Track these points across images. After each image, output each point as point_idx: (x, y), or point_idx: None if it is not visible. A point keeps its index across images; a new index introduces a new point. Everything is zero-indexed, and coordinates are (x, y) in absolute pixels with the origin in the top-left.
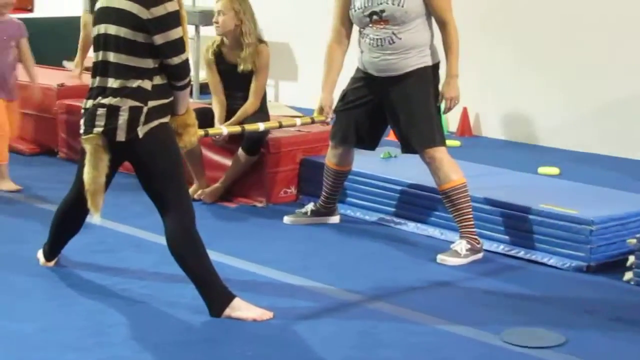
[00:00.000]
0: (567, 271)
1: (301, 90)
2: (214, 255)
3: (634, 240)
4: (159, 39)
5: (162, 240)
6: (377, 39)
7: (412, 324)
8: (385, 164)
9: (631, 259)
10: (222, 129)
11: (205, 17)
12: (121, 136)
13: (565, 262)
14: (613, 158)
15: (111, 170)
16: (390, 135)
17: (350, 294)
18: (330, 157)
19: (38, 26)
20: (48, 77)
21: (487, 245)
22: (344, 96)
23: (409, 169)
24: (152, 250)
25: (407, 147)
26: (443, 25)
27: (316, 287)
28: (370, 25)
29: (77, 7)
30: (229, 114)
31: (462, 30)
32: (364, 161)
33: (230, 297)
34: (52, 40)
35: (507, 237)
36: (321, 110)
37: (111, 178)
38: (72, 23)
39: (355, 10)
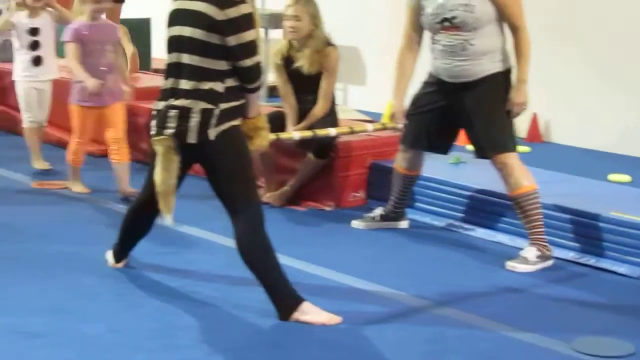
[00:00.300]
0: (637, 280)
1: (369, 94)
2: (282, 259)
3: None
4: (232, 41)
5: (231, 242)
6: (449, 45)
7: (481, 331)
8: (455, 169)
9: None
10: (293, 133)
11: (275, 20)
12: (192, 138)
13: (635, 270)
14: None
15: (182, 172)
16: (459, 141)
17: (418, 299)
18: (400, 162)
19: None
20: None
21: (556, 252)
22: (415, 100)
23: (478, 175)
24: (221, 253)
25: (480, 152)
26: (515, 31)
27: (384, 292)
28: (442, 31)
29: (144, 9)
30: (300, 116)
31: (532, 35)
32: (433, 166)
33: (299, 301)
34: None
35: (577, 244)
36: (393, 116)
37: (182, 180)
38: (139, 24)
39: (426, 17)
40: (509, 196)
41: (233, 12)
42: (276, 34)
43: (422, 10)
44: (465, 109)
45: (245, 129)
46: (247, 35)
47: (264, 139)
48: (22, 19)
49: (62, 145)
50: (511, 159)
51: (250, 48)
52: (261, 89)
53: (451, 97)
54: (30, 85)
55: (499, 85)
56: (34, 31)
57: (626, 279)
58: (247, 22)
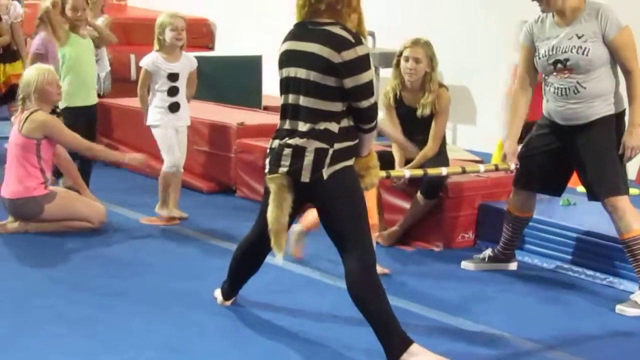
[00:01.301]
0: None
1: (479, 134)
2: (391, 299)
3: None
4: (349, 83)
5: (340, 282)
6: (561, 88)
7: None
8: (564, 210)
9: None
10: (404, 171)
11: (386, 59)
12: (306, 177)
13: None
14: None
15: (294, 210)
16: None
17: (527, 341)
18: (512, 203)
19: (218, 64)
20: (228, 116)
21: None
22: (528, 142)
23: (588, 217)
24: (330, 292)
25: (592, 194)
26: (628, 74)
27: (493, 334)
28: (555, 74)
29: (256, 46)
30: (409, 158)
31: None
32: (542, 208)
33: (408, 342)
34: (232, 79)
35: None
36: (505, 157)
37: (294, 219)
38: (251, 62)
39: (539, 58)
40: (620, 239)
41: (350, 54)
42: (386, 73)
43: (536, 51)
44: (577, 150)
45: (357, 168)
46: (364, 77)
47: (375, 177)
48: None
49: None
50: (622, 201)
51: (367, 89)
52: (376, 129)
53: (564, 139)
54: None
55: (611, 128)
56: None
57: None
58: (363, 63)
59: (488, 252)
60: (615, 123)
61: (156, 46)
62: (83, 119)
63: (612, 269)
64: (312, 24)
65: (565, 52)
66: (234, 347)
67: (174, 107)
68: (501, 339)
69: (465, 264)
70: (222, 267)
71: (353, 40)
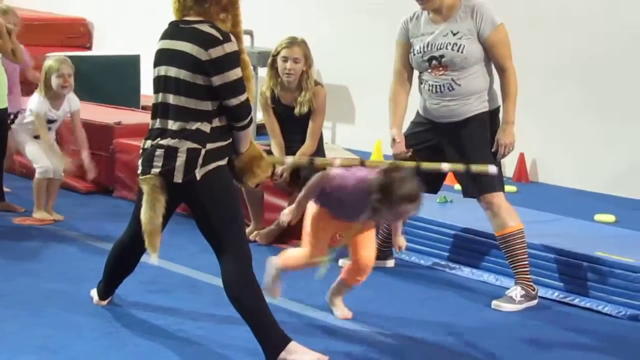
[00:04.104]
0: (622, 319)
1: (358, 133)
2: (269, 298)
3: None
4: (217, 80)
5: (217, 280)
6: (436, 85)
7: None
8: (441, 208)
9: None
10: (289, 158)
11: (264, 58)
12: (178, 178)
13: (620, 310)
14: None
15: (168, 211)
16: (447, 180)
17: (406, 339)
18: None
19: (96, 64)
20: (105, 116)
21: (542, 292)
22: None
23: (464, 214)
24: (207, 291)
25: (467, 191)
26: (502, 72)
27: (372, 332)
28: (429, 70)
29: (135, 45)
30: (289, 153)
31: (519, 75)
32: None
33: (286, 341)
34: (110, 79)
35: (562, 284)
36: (393, 141)
37: (168, 219)
38: (129, 61)
39: (414, 55)
40: (496, 236)
41: (217, 51)
42: (264, 72)
43: (411, 47)
44: (453, 148)
45: (241, 165)
46: (232, 74)
47: (266, 167)
48: None
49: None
50: (498, 198)
51: (236, 87)
52: (250, 126)
53: (439, 136)
54: None
55: (485, 125)
56: None
57: (611, 319)
58: (231, 61)
59: None
60: (489, 120)
61: (42, 90)
62: None
63: (488, 266)
64: (184, 22)
65: (440, 48)
66: (111, 347)
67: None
68: (380, 337)
69: (343, 261)
70: (98, 268)
71: (221, 38)
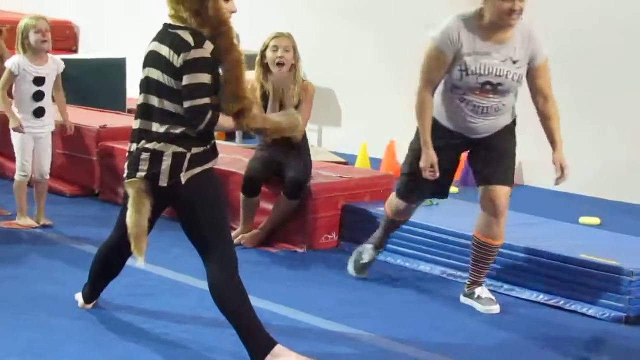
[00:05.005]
0: (606, 322)
1: (344, 136)
2: (255, 301)
3: None
4: (181, 83)
5: (202, 284)
6: (483, 107)
7: None
8: (427, 211)
9: None
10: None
11: (247, 60)
12: (164, 181)
13: (604, 312)
14: None
15: (154, 214)
16: None
17: (391, 341)
18: (394, 209)
19: (82, 67)
20: (91, 119)
21: (527, 294)
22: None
23: (450, 217)
24: (192, 294)
25: (489, 180)
26: (547, 99)
27: (357, 334)
28: (477, 92)
29: (121, 48)
30: (277, 153)
31: None
32: None
33: (272, 344)
34: (96, 82)
35: (547, 286)
36: (430, 168)
37: (154, 222)
38: (115, 64)
39: (467, 73)
40: (494, 243)
41: (186, 56)
42: (250, 75)
43: (461, 65)
44: (484, 152)
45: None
46: (193, 78)
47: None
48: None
49: None
50: (508, 197)
51: (193, 91)
52: (210, 137)
53: (466, 148)
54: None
55: (514, 133)
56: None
57: (595, 321)
58: (196, 66)
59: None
60: (514, 128)
61: (20, 51)
62: None
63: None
64: (171, 27)
65: (499, 75)
66: (96, 351)
67: (39, 113)
68: (365, 339)
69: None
70: (83, 271)
71: (193, 44)
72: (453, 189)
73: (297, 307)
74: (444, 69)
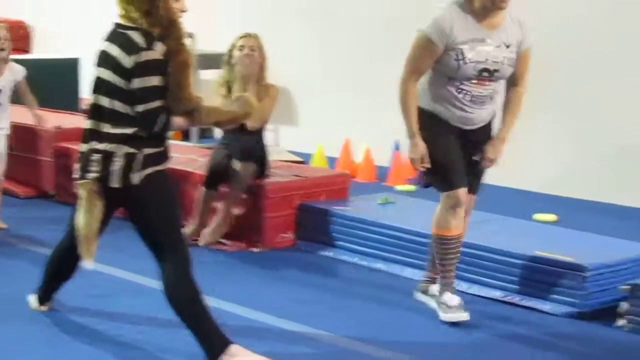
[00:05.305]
0: (561, 317)
1: (300, 135)
2: (210, 300)
3: (628, 287)
4: (132, 86)
5: (157, 284)
6: (480, 95)
7: None
8: (383, 209)
9: (623, 305)
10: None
11: (205, 61)
12: (115, 182)
13: (559, 308)
14: (609, 205)
15: (106, 216)
16: (389, 181)
17: (349, 340)
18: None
19: (35, 67)
20: (44, 120)
21: (482, 291)
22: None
23: (406, 215)
24: (147, 295)
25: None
26: (518, 87)
27: (315, 334)
28: (475, 81)
29: (74, 49)
30: (240, 150)
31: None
32: (362, 206)
33: (227, 344)
34: (49, 82)
35: (502, 283)
36: (419, 159)
37: (106, 224)
38: (68, 64)
39: (464, 62)
40: (460, 235)
41: (137, 58)
42: (206, 75)
43: (457, 54)
44: (475, 145)
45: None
46: (144, 81)
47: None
48: None
49: None
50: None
51: (145, 94)
52: (162, 138)
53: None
54: None
55: (492, 128)
56: None
57: (550, 317)
58: (147, 68)
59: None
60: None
61: None
62: None
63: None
64: (121, 26)
65: (495, 62)
66: (50, 354)
67: None
68: (323, 339)
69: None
70: (37, 273)
71: (144, 46)
72: (409, 187)
73: (254, 306)
74: (431, 59)
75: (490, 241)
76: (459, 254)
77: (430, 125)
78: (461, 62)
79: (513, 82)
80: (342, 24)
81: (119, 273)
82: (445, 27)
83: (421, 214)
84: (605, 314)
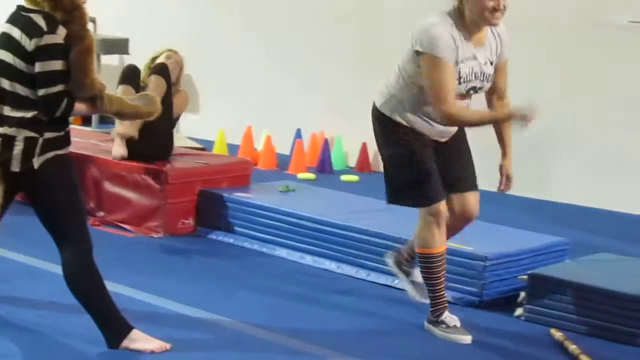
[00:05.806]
0: (461, 306)
1: (201, 122)
2: (111, 286)
3: (525, 277)
4: (34, 69)
5: (57, 268)
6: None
7: (307, 356)
8: (284, 197)
9: (522, 295)
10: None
11: (106, 45)
12: (15, 166)
13: (459, 296)
14: (509, 196)
15: (6, 200)
16: (290, 169)
17: (248, 326)
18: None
19: None
20: None
21: (382, 279)
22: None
23: (307, 203)
24: (47, 279)
25: (467, 185)
26: (503, 98)
27: (215, 320)
28: (457, 97)
29: None
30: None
31: (373, 74)
32: (263, 193)
33: (128, 329)
34: None
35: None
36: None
37: (6, 208)
38: None
39: (459, 82)
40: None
41: (38, 41)
42: (107, 60)
43: (457, 71)
44: (449, 150)
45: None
46: (45, 65)
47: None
48: None
49: None
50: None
51: (46, 78)
52: (65, 123)
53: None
54: None
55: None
56: None
57: (452, 305)
58: (49, 52)
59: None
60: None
61: None
62: None
63: (330, 254)
64: (24, 9)
65: (483, 80)
66: None
67: None
68: (223, 325)
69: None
70: None
71: (46, 29)
72: (309, 175)
73: (154, 292)
74: (453, 76)
75: (389, 229)
76: (444, 271)
77: (406, 141)
78: (457, 81)
79: (499, 96)
80: (248, 8)
81: (19, 257)
82: (451, 43)
83: (321, 202)
84: (506, 302)
